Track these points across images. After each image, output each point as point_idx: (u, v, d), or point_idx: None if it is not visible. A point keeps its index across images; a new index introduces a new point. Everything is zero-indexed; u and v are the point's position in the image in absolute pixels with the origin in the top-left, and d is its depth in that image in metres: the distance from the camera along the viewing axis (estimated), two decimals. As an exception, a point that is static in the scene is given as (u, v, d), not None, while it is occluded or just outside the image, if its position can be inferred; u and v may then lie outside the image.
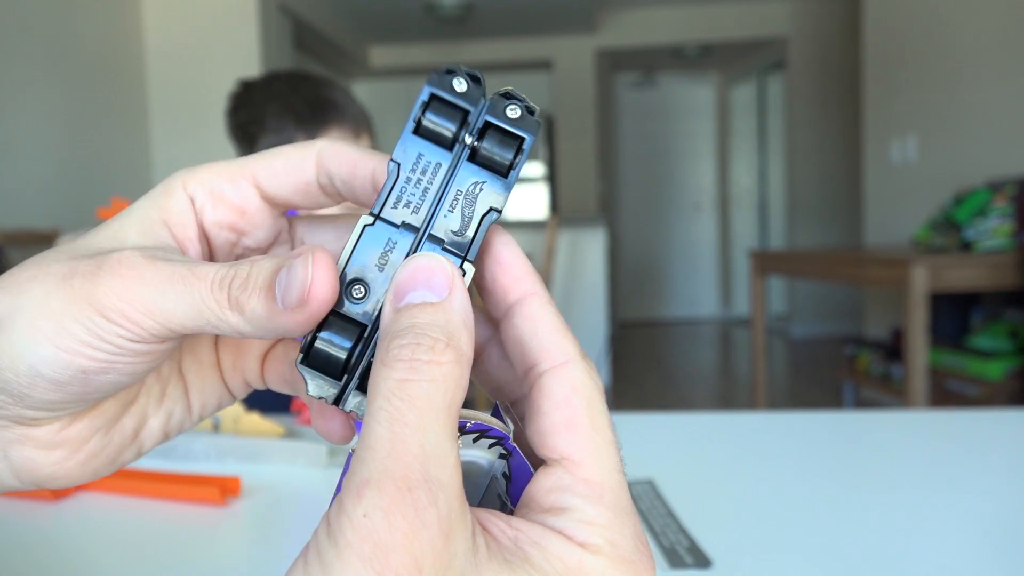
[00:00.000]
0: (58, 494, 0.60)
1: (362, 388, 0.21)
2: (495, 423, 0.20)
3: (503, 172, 0.21)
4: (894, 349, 3.03)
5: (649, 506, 0.58)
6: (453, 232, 0.21)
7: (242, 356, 0.26)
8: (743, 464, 0.67)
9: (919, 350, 2.10)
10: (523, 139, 0.21)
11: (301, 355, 0.21)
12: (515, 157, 0.21)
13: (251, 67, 3.89)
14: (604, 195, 6.32)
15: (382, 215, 0.21)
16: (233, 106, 1.04)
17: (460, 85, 0.21)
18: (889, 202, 3.74)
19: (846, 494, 0.60)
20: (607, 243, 4.24)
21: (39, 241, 2.96)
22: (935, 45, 3.38)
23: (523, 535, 0.18)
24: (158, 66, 3.94)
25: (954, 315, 2.94)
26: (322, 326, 0.21)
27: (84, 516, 0.56)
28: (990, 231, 2.39)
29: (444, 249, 0.21)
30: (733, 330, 6.34)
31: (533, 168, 6.11)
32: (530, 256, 3.70)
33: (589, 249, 4.14)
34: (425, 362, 0.18)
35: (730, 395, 4.01)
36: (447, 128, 0.21)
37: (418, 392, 0.17)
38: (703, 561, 0.49)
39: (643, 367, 4.76)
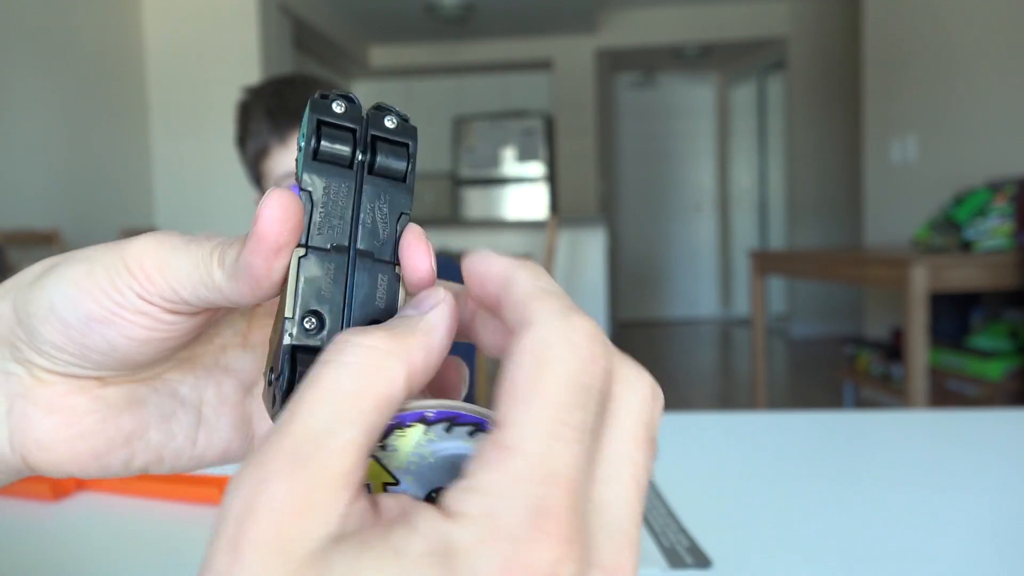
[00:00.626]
0: (58, 494, 0.60)
1: None
2: (468, 408, 0.19)
3: (401, 178, 0.22)
4: (894, 349, 3.03)
5: (649, 506, 0.58)
6: (377, 243, 0.22)
7: None
8: (743, 464, 0.67)
9: (919, 350, 2.10)
10: (408, 144, 0.22)
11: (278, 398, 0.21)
12: (408, 163, 0.22)
13: (251, 67, 3.89)
14: (604, 195, 6.32)
15: (311, 244, 0.21)
16: (235, 116, 1.06)
17: (339, 107, 0.22)
18: (889, 202, 3.75)
19: (846, 494, 0.60)
20: (607, 243, 4.24)
21: (39, 241, 2.96)
22: (935, 45, 3.38)
23: (400, 512, 0.16)
24: (158, 66, 3.94)
25: (954, 315, 2.94)
26: (293, 367, 0.21)
27: (84, 516, 0.57)
28: (990, 231, 2.39)
29: (376, 260, 0.22)
30: (733, 330, 6.34)
31: (533, 168, 6.11)
32: (529, 256, 3.66)
33: (589, 249, 4.14)
34: (349, 344, 0.17)
35: (730, 395, 4.01)
36: (343, 149, 0.22)
37: (325, 373, 0.17)
38: (703, 561, 0.49)
39: (643, 367, 4.75)
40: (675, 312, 7.00)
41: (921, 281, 2.08)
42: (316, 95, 0.22)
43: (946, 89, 3.32)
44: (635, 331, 6.40)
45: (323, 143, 0.21)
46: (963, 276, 2.17)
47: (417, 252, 0.22)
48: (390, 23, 5.60)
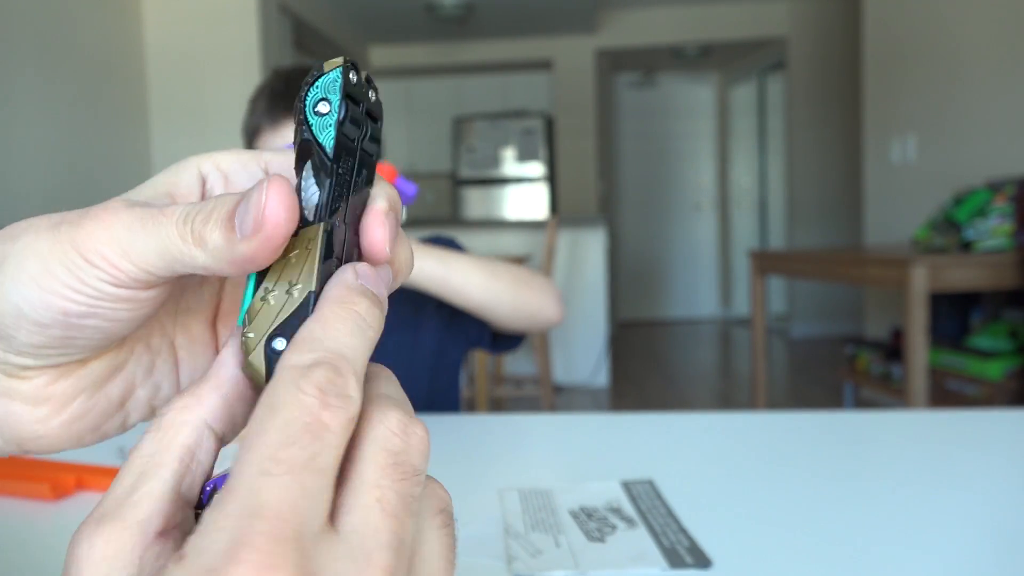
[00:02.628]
0: (58, 494, 0.60)
1: None
2: None
3: (375, 155, 0.23)
4: (894, 349, 3.03)
5: (649, 506, 0.58)
6: (357, 213, 0.23)
7: None
8: (743, 464, 0.67)
9: (919, 350, 2.10)
10: (380, 123, 0.23)
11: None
12: (379, 145, 0.23)
13: (251, 67, 3.89)
14: (604, 195, 6.32)
15: (329, 219, 0.22)
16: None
17: (354, 78, 0.22)
18: (889, 202, 3.75)
19: (846, 494, 0.60)
20: (607, 243, 4.24)
21: (39, 241, 2.96)
22: (935, 45, 3.38)
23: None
24: (158, 66, 3.94)
25: (954, 315, 2.94)
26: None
27: (84, 516, 0.56)
28: (990, 231, 2.39)
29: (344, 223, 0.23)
30: (733, 330, 6.34)
31: (533, 168, 6.11)
32: (530, 256, 3.63)
33: (589, 249, 4.14)
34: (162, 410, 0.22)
35: (730, 395, 4.01)
36: (357, 131, 0.22)
37: (139, 439, 0.21)
38: (703, 561, 0.49)
39: (643, 367, 4.76)
40: (675, 312, 7.00)
41: (921, 281, 2.08)
42: (347, 62, 0.22)
43: (946, 89, 3.32)
44: (635, 331, 6.40)
45: (348, 120, 0.22)
46: (963, 276, 2.17)
47: (374, 230, 0.22)
48: (390, 23, 5.60)
